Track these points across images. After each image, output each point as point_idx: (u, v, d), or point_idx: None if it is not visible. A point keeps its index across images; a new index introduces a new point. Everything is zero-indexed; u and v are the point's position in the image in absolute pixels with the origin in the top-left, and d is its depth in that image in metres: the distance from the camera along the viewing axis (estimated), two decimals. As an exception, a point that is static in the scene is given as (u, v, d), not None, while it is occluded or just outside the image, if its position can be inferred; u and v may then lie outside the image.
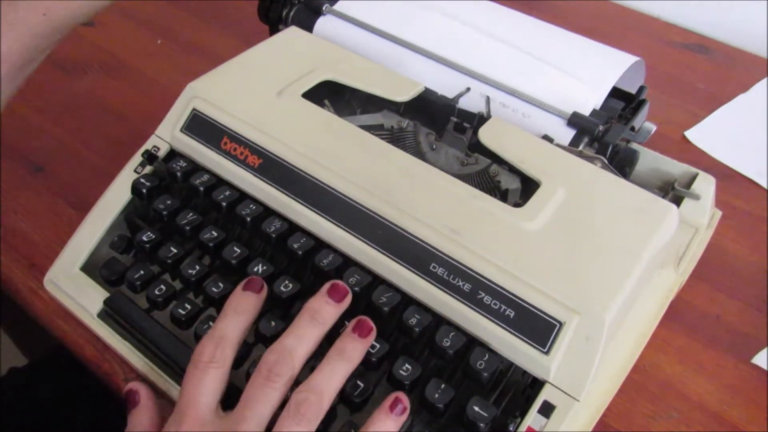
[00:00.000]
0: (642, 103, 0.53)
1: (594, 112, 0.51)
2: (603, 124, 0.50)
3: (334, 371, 0.37)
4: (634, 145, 0.52)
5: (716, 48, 0.84)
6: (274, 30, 0.63)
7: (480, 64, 0.54)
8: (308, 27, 0.60)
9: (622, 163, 0.50)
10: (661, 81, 0.78)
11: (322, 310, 0.39)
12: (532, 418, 0.38)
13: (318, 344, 0.39)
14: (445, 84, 0.54)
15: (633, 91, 0.54)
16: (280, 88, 0.50)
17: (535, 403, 0.38)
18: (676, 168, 0.52)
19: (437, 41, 0.56)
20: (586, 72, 0.52)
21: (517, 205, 0.43)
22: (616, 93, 0.53)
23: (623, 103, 0.53)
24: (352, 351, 0.38)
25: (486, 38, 0.55)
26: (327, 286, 0.40)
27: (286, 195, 0.45)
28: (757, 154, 0.68)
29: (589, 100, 0.51)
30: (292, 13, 0.61)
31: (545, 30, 0.58)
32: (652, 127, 0.52)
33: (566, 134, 0.51)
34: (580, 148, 0.50)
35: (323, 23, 0.60)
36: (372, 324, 0.39)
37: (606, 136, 0.49)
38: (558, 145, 0.49)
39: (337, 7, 0.60)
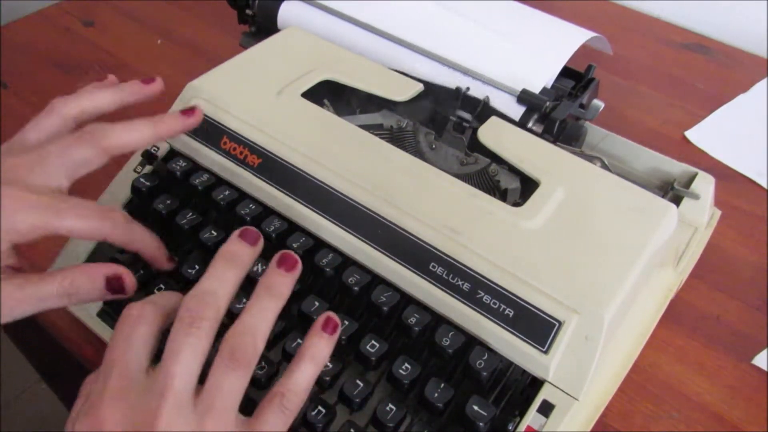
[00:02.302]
0: (591, 81, 0.54)
1: (543, 90, 0.52)
2: (552, 101, 0.51)
3: (264, 309, 0.35)
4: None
5: (716, 48, 0.84)
6: (241, 15, 0.64)
7: (436, 43, 0.55)
8: (273, 12, 0.61)
9: (568, 139, 0.51)
10: (661, 81, 0.78)
11: (238, 252, 0.36)
12: (532, 417, 0.38)
13: (237, 288, 0.36)
14: (404, 63, 0.55)
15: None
16: (279, 87, 0.50)
17: (534, 403, 0.38)
18: (675, 167, 0.52)
19: (394, 21, 0.57)
20: (541, 49, 0.54)
21: (516, 204, 0.43)
22: (567, 73, 0.55)
23: (573, 82, 0.55)
24: (280, 286, 0.36)
25: (446, 13, 0.57)
26: (237, 231, 0.37)
27: (286, 195, 0.45)
28: (757, 154, 0.68)
29: (542, 76, 0.53)
30: None
31: (510, 7, 0.59)
32: (600, 105, 0.54)
33: (517, 111, 0.52)
34: (530, 124, 0.52)
35: (287, 8, 0.61)
36: (296, 257, 0.37)
37: (553, 112, 0.51)
38: (558, 145, 0.50)
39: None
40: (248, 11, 0.63)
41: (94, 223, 0.39)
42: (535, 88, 0.52)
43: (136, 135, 0.42)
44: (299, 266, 0.37)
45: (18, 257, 0.39)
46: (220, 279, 0.35)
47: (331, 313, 0.36)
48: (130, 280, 0.39)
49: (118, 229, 0.40)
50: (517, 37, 0.55)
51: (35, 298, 0.37)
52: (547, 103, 0.51)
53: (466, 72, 0.54)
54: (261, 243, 0.38)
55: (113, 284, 0.38)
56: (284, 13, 0.61)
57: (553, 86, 0.53)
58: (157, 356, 0.34)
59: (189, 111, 0.45)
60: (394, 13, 0.57)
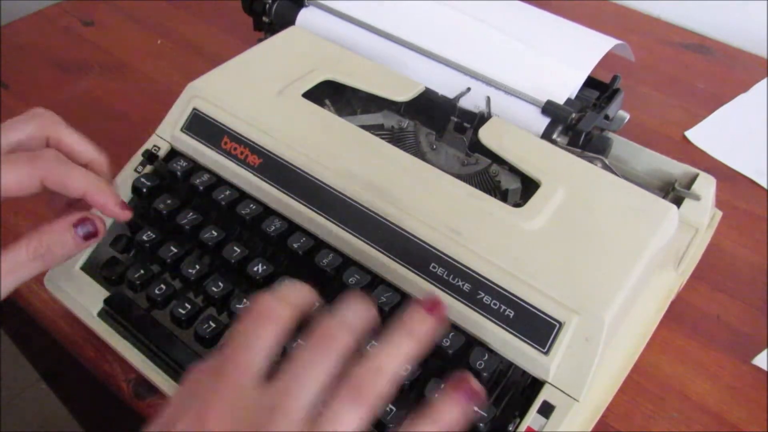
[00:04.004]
0: (616, 92, 0.53)
1: (568, 101, 0.51)
2: (577, 112, 0.50)
3: (400, 348, 0.31)
4: (620, 137, 0.52)
5: (716, 48, 0.84)
6: (257, 21, 0.63)
7: (459, 52, 0.54)
8: (291, 19, 0.60)
9: (595, 152, 0.50)
10: (661, 81, 0.78)
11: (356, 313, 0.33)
12: (532, 418, 0.38)
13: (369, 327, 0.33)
14: (426, 73, 0.54)
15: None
16: (280, 87, 0.50)
17: (534, 403, 0.38)
18: (676, 168, 0.52)
19: (417, 30, 0.56)
20: (564, 58, 0.53)
21: (517, 205, 0.43)
22: (591, 83, 0.53)
23: (598, 92, 0.54)
24: (420, 327, 0.32)
25: (468, 21, 0.56)
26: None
27: (286, 194, 0.45)
28: (757, 154, 0.68)
29: (566, 87, 0.52)
30: (275, 5, 0.61)
31: (529, 13, 0.58)
32: (626, 116, 0.53)
33: (541, 123, 0.51)
34: (554, 136, 0.50)
35: (305, 15, 0.60)
36: (443, 303, 0.33)
37: (579, 124, 0.50)
38: (558, 145, 0.50)
39: (319, -2, 0.60)
40: (265, 18, 0.62)
41: (25, 171, 0.37)
42: (560, 99, 0.51)
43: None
44: (445, 314, 0.33)
45: None
46: (360, 312, 0.32)
47: (471, 378, 0.32)
48: (98, 219, 0.38)
49: (52, 173, 0.38)
50: (539, 46, 0.54)
51: (8, 269, 0.36)
52: (573, 115, 0.50)
53: (489, 82, 0.52)
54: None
55: (82, 229, 0.37)
56: (302, 20, 0.60)
57: (577, 97, 0.52)
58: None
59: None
60: (416, 24, 0.56)
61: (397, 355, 0.31)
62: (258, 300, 0.32)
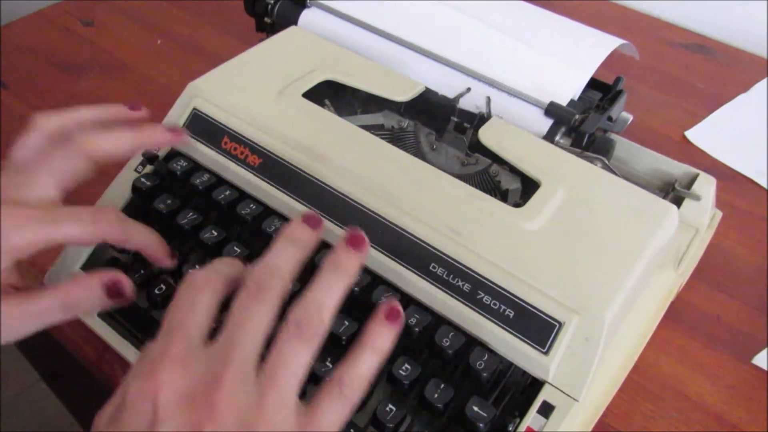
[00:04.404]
0: (619, 93, 0.53)
1: (571, 102, 0.51)
2: (580, 113, 0.50)
3: (331, 285, 0.34)
4: (618, 137, 0.52)
5: (716, 48, 0.84)
6: (260, 22, 0.63)
7: (460, 52, 0.54)
8: (293, 19, 0.60)
9: (598, 153, 0.50)
10: (661, 81, 0.78)
11: (300, 234, 0.36)
12: (532, 418, 0.38)
13: (299, 270, 0.35)
14: (428, 74, 0.54)
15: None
16: (280, 87, 0.50)
17: (534, 404, 0.38)
18: (676, 168, 0.52)
19: (419, 31, 0.56)
20: (567, 58, 0.53)
21: (517, 205, 0.43)
22: (593, 84, 0.53)
23: (600, 93, 0.54)
24: (347, 263, 0.35)
25: (470, 21, 0.56)
26: (300, 215, 0.37)
27: (287, 194, 0.45)
28: (757, 154, 0.68)
29: (569, 88, 0.51)
30: (277, 6, 0.61)
31: (531, 13, 0.58)
32: (629, 117, 0.53)
33: (544, 124, 0.51)
34: (557, 137, 0.50)
35: (307, 16, 0.60)
36: (364, 236, 0.36)
37: (582, 125, 0.50)
38: (558, 146, 0.50)
39: (321, -1, 0.60)
40: (267, 19, 0.62)
41: (89, 227, 0.38)
42: (563, 101, 0.51)
43: (115, 143, 0.42)
44: (367, 247, 0.36)
45: (20, 276, 0.39)
46: (284, 256, 0.35)
47: (394, 302, 0.35)
48: (127, 283, 0.39)
49: (114, 228, 0.40)
50: (541, 46, 0.53)
51: (35, 314, 0.37)
52: (576, 117, 0.50)
53: (491, 83, 0.52)
54: (322, 229, 0.37)
55: (111, 290, 0.38)
56: (304, 21, 0.60)
57: (580, 98, 0.52)
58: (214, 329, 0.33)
59: (174, 130, 0.46)
60: (417, 24, 0.56)
61: (331, 290, 0.33)
62: (191, 272, 0.34)
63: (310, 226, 0.37)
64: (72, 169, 0.41)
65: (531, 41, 0.54)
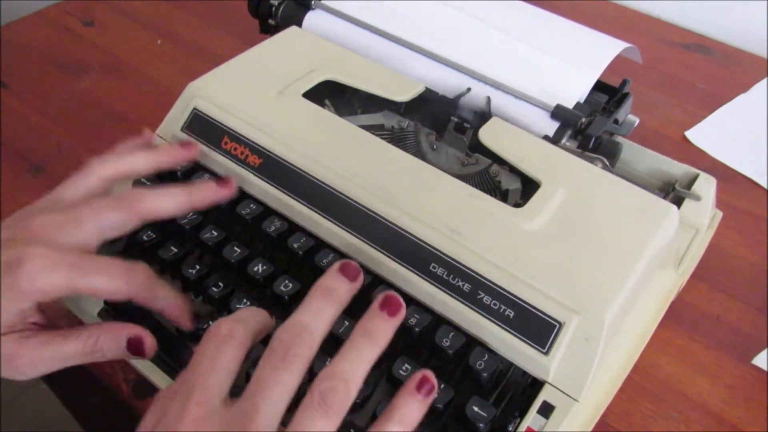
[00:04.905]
0: (625, 96, 0.53)
1: (578, 105, 0.51)
2: (586, 116, 0.50)
3: (361, 356, 0.32)
4: (619, 138, 0.52)
5: (716, 48, 0.84)
6: (264, 24, 0.63)
7: (461, 52, 0.54)
8: (297, 22, 0.60)
9: (605, 156, 0.50)
10: (661, 81, 0.78)
11: (336, 287, 0.35)
12: (532, 418, 0.38)
13: (332, 325, 0.34)
14: (434, 77, 0.54)
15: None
16: (280, 87, 0.50)
17: (534, 404, 0.38)
18: (676, 168, 0.52)
19: (424, 33, 0.56)
20: (573, 61, 0.53)
21: (517, 205, 0.43)
22: (599, 86, 0.53)
23: (607, 96, 0.54)
24: (379, 332, 0.33)
25: (476, 24, 0.55)
26: (337, 264, 0.36)
27: (287, 194, 0.45)
28: (757, 154, 0.68)
29: (575, 90, 0.51)
30: (281, 8, 0.61)
31: (533, 13, 0.58)
32: (635, 120, 0.53)
33: (550, 127, 0.51)
34: (564, 140, 0.50)
35: (312, 18, 0.60)
36: (401, 301, 0.35)
37: (589, 128, 0.49)
38: (559, 146, 0.50)
39: (326, 1, 0.60)
40: (271, 21, 0.62)
41: (119, 284, 0.38)
42: (569, 103, 0.51)
43: (170, 203, 0.42)
44: (403, 311, 0.35)
45: (43, 315, 0.39)
46: (317, 314, 0.33)
47: (428, 373, 0.33)
48: (150, 342, 0.39)
49: (143, 288, 0.39)
50: (547, 49, 0.53)
51: (59, 356, 0.37)
52: (582, 119, 0.50)
53: (497, 86, 0.52)
54: (361, 278, 0.36)
55: (133, 346, 0.38)
56: (309, 24, 0.60)
57: (586, 101, 0.52)
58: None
59: (224, 182, 0.45)
60: (419, 24, 0.56)
61: (361, 360, 0.32)
62: (216, 323, 0.34)
63: (347, 278, 0.36)
64: (118, 225, 0.40)
65: (535, 42, 0.54)
